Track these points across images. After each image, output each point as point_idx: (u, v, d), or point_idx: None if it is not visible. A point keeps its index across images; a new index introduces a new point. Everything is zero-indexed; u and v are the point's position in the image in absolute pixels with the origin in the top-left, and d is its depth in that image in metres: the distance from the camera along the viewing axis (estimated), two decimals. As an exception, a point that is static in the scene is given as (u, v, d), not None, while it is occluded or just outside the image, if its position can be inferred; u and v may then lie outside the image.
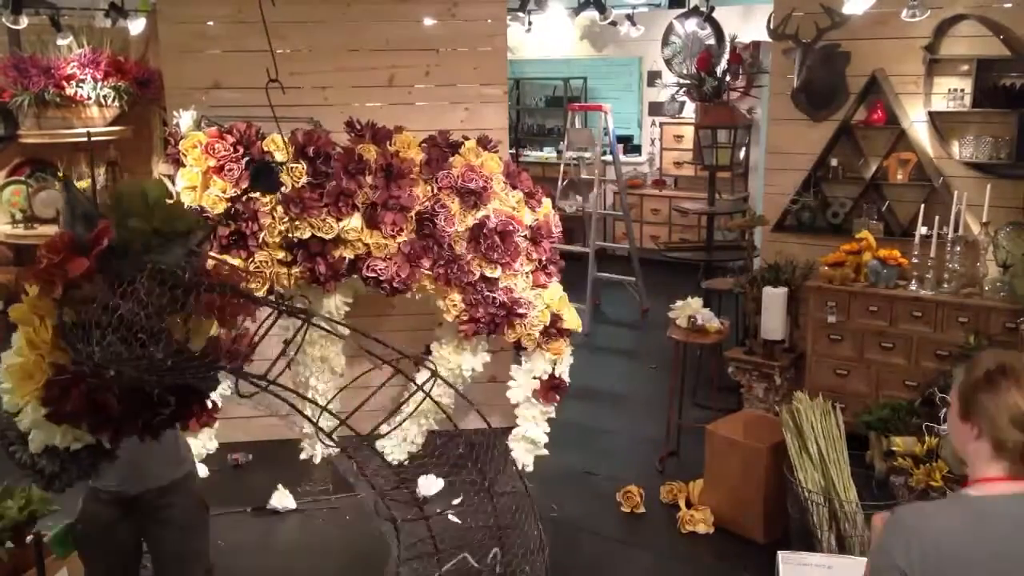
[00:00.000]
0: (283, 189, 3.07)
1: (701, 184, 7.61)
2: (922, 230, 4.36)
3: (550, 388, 4.26)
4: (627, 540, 3.84)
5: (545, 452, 4.35)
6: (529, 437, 4.30)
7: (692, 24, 8.58)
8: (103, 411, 1.70)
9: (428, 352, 4.37)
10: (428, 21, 4.57)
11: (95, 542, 2.57)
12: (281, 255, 3.88)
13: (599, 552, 3.78)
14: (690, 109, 8.65)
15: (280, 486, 4.18)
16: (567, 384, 4.32)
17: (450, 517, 4.05)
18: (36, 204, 7.24)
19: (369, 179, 3.88)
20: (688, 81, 6.21)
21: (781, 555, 2.76)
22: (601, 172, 7.29)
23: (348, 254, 3.92)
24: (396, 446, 4.39)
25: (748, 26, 8.16)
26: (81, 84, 6.85)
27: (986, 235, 4.34)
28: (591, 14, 7.56)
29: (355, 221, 3.88)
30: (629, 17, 8.46)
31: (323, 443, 4.04)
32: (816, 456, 3.51)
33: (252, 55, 4.24)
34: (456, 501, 4.19)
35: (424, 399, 1.99)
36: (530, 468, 4.32)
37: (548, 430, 4.34)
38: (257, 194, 3.14)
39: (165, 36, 4.49)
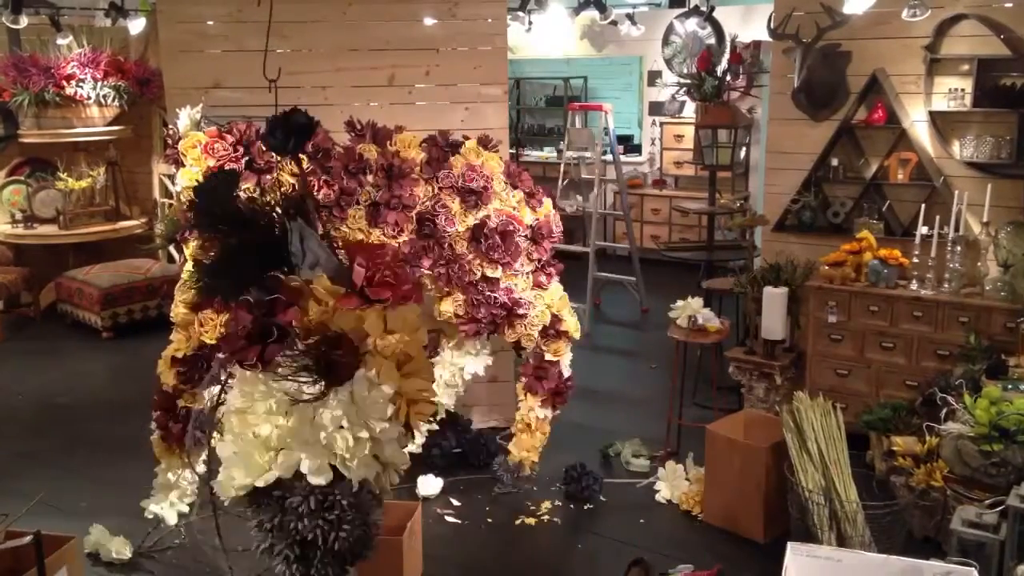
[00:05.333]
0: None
1: (701, 184, 7.61)
2: (923, 230, 4.36)
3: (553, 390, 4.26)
4: (625, 540, 3.84)
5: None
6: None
7: (692, 24, 8.59)
8: None
9: (436, 353, 4.36)
10: (428, 21, 4.56)
11: None
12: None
13: (596, 551, 3.78)
14: (690, 109, 8.65)
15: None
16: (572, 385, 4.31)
17: (447, 519, 4.05)
18: (36, 204, 7.25)
19: (370, 178, 3.88)
20: (688, 81, 6.20)
21: (791, 546, 2.74)
22: (601, 172, 7.29)
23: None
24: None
25: (748, 26, 8.17)
26: (81, 84, 6.87)
27: (987, 235, 4.34)
28: (591, 14, 7.57)
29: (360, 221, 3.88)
30: (629, 16, 8.46)
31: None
32: (816, 456, 3.51)
33: (252, 55, 4.24)
34: (456, 502, 4.20)
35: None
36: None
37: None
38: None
39: (165, 36, 4.49)
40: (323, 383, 1.99)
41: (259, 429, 1.98)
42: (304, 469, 1.94)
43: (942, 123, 4.61)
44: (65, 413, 5.27)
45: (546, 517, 4.06)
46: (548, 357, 4.19)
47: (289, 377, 1.98)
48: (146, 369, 4.05)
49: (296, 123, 2.11)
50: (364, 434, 1.97)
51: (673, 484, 4.18)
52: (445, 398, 4.22)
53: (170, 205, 7.10)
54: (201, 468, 4.01)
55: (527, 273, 4.09)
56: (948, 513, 3.27)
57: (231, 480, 1.98)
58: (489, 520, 4.04)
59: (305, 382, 1.99)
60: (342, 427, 1.96)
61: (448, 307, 4.01)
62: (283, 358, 1.98)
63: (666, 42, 8.82)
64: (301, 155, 2.36)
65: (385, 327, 2.03)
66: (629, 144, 9.52)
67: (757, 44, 8.07)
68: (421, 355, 2.08)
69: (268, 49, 2.75)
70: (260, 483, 1.96)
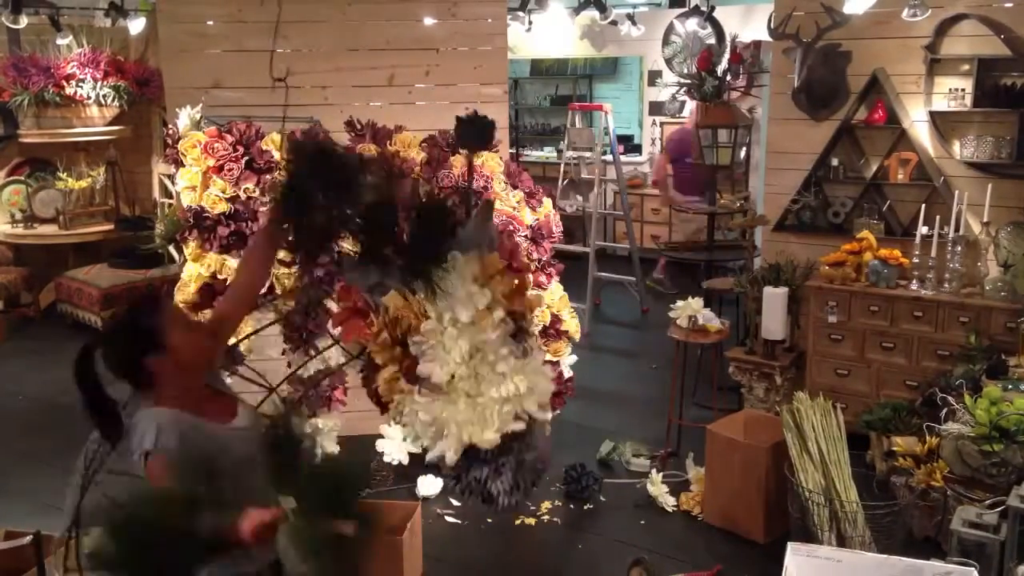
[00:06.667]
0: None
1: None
2: (923, 230, 4.36)
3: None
4: (625, 540, 3.84)
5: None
6: None
7: (692, 23, 8.57)
8: None
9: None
10: (428, 21, 4.56)
11: None
12: (281, 254, 3.86)
13: (596, 551, 3.78)
14: (690, 109, 8.65)
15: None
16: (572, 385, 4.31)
17: (447, 519, 4.05)
18: (36, 204, 7.25)
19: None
20: (689, 81, 6.20)
21: (791, 546, 2.74)
22: (601, 172, 7.29)
23: (354, 247, 3.89)
24: (396, 447, 4.38)
25: (749, 26, 8.16)
26: (81, 84, 6.87)
27: (987, 235, 4.34)
28: (591, 13, 7.57)
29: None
30: (630, 16, 8.46)
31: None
32: (817, 456, 3.51)
33: (252, 55, 4.26)
34: (456, 502, 4.20)
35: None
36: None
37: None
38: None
39: (165, 35, 4.49)
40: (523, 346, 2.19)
41: (497, 389, 2.11)
42: (532, 410, 2.12)
43: (942, 123, 4.60)
44: (65, 413, 5.25)
45: (546, 517, 4.06)
46: (548, 357, 4.19)
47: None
48: (146, 369, 4.04)
49: (484, 124, 2.38)
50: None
51: (660, 497, 4.14)
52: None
53: (170, 205, 7.09)
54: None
55: (527, 273, 4.08)
56: (948, 513, 3.27)
57: (465, 437, 2.07)
58: (489, 520, 4.04)
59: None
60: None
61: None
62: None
63: (666, 42, 8.80)
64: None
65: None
66: (629, 144, 9.51)
67: (757, 44, 8.06)
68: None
69: (273, 49, 2.75)
70: (504, 431, 2.08)
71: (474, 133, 2.38)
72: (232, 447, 2.08)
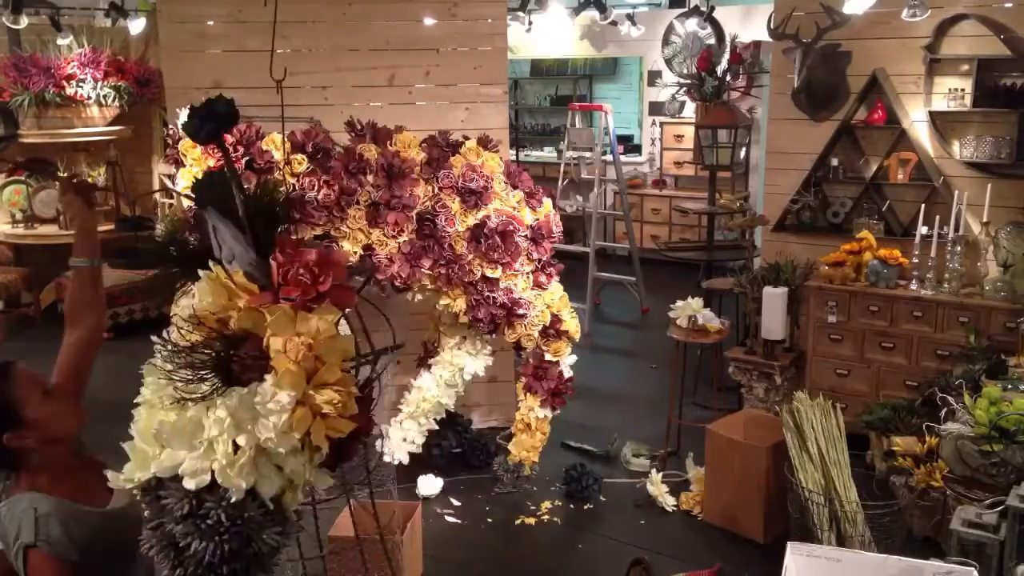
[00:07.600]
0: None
1: (701, 184, 7.61)
2: (922, 230, 4.36)
3: (553, 391, 4.25)
4: (624, 540, 3.84)
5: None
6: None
7: (692, 24, 8.58)
8: None
9: (436, 352, 4.36)
10: (428, 21, 4.57)
11: None
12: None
13: (596, 551, 3.78)
14: (690, 109, 8.66)
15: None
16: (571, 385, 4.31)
17: (447, 519, 4.06)
18: (36, 204, 7.25)
19: (370, 178, 3.88)
20: (688, 81, 6.21)
21: (791, 545, 2.74)
22: (601, 172, 7.29)
23: (353, 247, 3.91)
24: (396, 446, 4.38)
25: (748, 26, 8.16)
26: (81, 84, 6.88)
27: (986, 235, 4.34)
28: (591, 14, 7.58)
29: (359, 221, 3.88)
30: (629, 17, 8.46)
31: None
32: (816, 456, 3.51)
33: (252, 55, 4.27)
34: (456, 502, 4.20)
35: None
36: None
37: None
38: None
39: (165, 36, 4.49)
40: (218, 383, 1.83)
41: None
42: (180, 470, 1.79)
43: (942, 123, 4.61)
44: (65, 413, 5.26)
45: (546, 517, 4.06)
46: (548, 357, 4.20)
47: (178, 373, 1.85)
48: (146, 369, 4.04)
49: (215, 111, 2.04)
50: (244, 441, 1.80)
51: (661, 497, 4.14)
52: (445, 398, 4.22)
53: (170, 205, 7.10)
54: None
55: (527, 273, 4.09)
56: (948, 513, 3.27)
57: (120, 473, 1.87)
58: (489, 520, 4.04)
59: (206, 379, 1.84)
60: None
61: (446, 300, 4.02)
62: (170, 352, 1.87)
63: (666, 42, 8.81)
64: (222, 143, 2.23)
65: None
66: (629, 144, 9.52)
67: (757, 44, 8.07)
68: (337, 364, 1.86)
69: (273, 49, 2.75)
70: (140, 477, 1.83)
71: (197, 121, 1.97)
72: (110, 533, 2.00)
